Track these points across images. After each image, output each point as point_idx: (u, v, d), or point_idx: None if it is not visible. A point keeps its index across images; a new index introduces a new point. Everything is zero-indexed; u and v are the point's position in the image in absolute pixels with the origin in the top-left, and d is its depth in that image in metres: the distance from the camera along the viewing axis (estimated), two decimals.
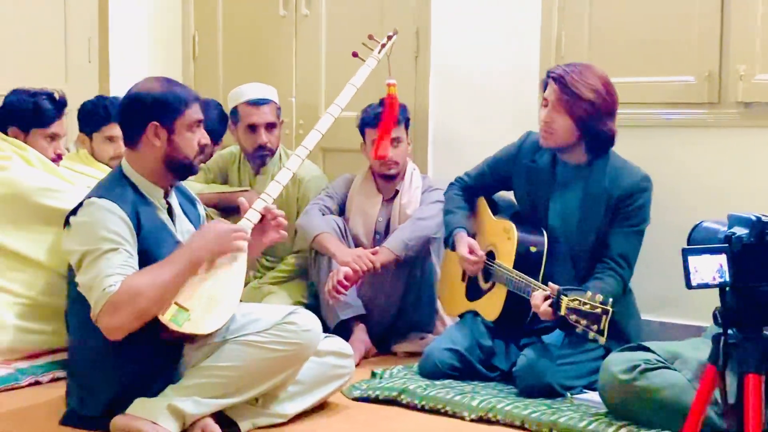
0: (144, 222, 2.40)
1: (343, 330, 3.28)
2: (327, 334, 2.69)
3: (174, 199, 2.55)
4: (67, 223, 2.41)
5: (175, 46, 4.42)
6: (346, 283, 3.17)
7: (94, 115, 3.33)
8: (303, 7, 4.09)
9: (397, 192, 3.45)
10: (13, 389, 2.81)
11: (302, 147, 2.78)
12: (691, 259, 1.72)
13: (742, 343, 1.75)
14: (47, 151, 3.15)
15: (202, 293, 2.36)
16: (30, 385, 2.85)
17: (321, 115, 4.00)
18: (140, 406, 2.34)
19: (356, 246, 3.39)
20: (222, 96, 4.09)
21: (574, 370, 2.78)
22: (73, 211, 2.40)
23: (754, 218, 1.75)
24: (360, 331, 3.30)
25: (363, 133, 3.44)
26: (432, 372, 2.90)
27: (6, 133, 3.16)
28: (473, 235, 3.07)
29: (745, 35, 3.08)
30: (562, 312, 2.51)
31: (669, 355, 2.47)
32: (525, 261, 2.84)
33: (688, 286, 1.74)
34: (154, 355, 2.38)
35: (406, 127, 3.43)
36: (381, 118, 3.21)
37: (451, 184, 3.20)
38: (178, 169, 2.47)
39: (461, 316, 3.14)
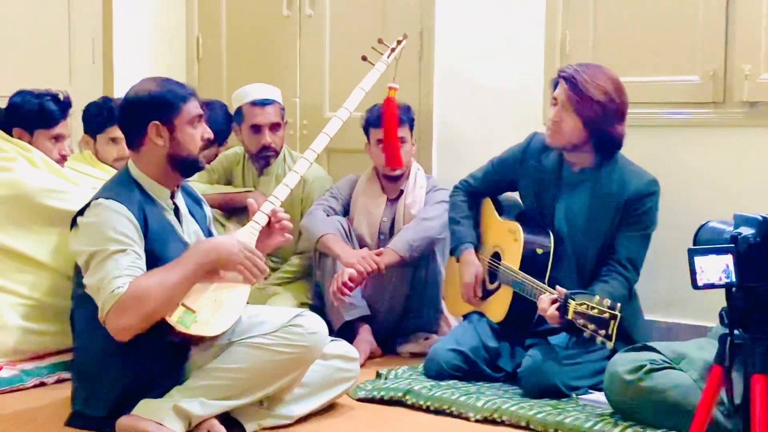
0: (151, 223, 2.40)
1: (348, 331, 3.29)
2: (333, 338, 2.69)
3: (180, 200, 2.55)
4: (74, 223, 2.41)
5: (179, 47, 4.43)
6: (350, 284, 3.17)
7: (98, 117, 3.33)
8: (307, 8, 4.08)
9: (401, 192, 3.45)
10: (18, 390, 2.81)
11: (310, 150, 2.78)
12: (697, 259, 1.72)
13: (749, 343, 1.74)
14: (52, 152, 3.15)
15: (209, 295, 2.37)
16: (35, 386, 2.85)
17: (325, 115, 4.05)
18: (146, 407, 2.34)
19: (361, 246, 3.39)
20: (226, 97, 4.09)
21: (580, 370, 2.78)
22: (81, 212, 2.40)
23: (760, 218, 1.74)
24: (365, 332, 3.30)
25: (367, 133, 3.44)
26: (437, 373, 2.89)
27: (10, 134, 3.16)
28: (479, 236, 3.06)
29: (750, 35, 3.08)
30: (570, 316, 2.50)
31: (675, 356, 2.46)
32: (531, 262, 2.84)
33: (695, 286, 1.73)
34: (160, 356, 2.38)
35: (411, 127, 3.43)
36: (381, 125, 3.22)
37: (456, 187, 3.19)
38: (183, 166, 2.47)
39: (466, 316, 3.14)
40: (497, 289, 2.97)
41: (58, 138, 3.18)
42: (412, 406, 2.69)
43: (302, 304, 3.38)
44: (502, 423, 2.56)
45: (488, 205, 3.15)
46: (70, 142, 3.28)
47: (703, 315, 3.05)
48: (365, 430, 2.55)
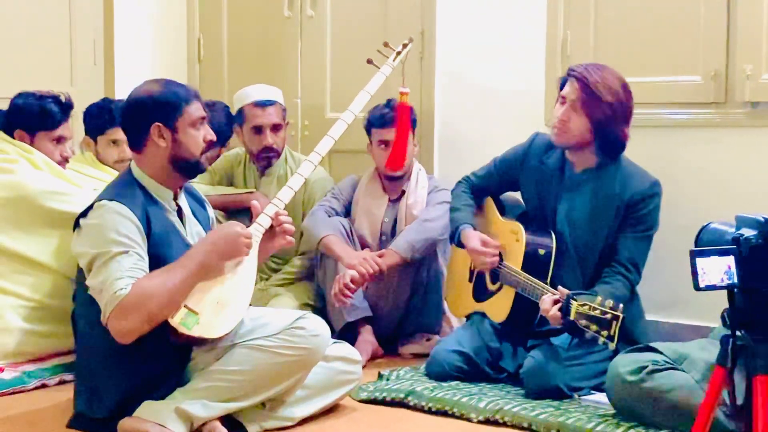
0: (154, 224, 2.40)
1: (350, 331, 3.29)
2: (335, 340, 2.69)
3: (183, 201, 2.55)
4: (77, 225, 2.41)
5: (180, 47, 4.43)
6: (352, 286, 3.17)
7: (99, 119, 3.33)
8: (308, 8, 4.08)
9: (403, 192, 3.45)
10: (20, 392, 2.81)
11: (315, 153, 2.78)
12: (699, 260, 1.72)
13: (751, 344, 1.74)
14: (54, 154, 3.15)
15: (211, 297, 2.36)
16: (37, 388, 2.86)
17: (326, 116, 4.05)
18: (148, 409, 2.34)
19: (362, 247, 3.39)
20: (227, 98, 4.09)
21: (582, 371, 2.78)
22: (83, 214, 2.40)
23: (762, 219, 1.75)
24: (367, 333, 3.30)
25: (369, 134, 3.45)
26: (439, 373, 2.89)
27: (12, 136, 3.16)
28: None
29: (751, 35, 3.07)
30: (572, 316, 2.50)
31: (677, 356, 2.46)
32: (533, 263, 2.84)
33: (696, 287, 1.73)
34: (162, 358, 2.38)
35: (413, 128, 3.43)
36: (394, 127, 3.23)
37: (458, 182, 3.20)
38: (186, 168, 2.47)
39: (468, 317, 3.13)
40: (499, 289, 2.97)
41: (59, 140, 3.18)
42: (414, 408, 2.69)
43: (304, 305, 3.38)
44: (505, 424, 2.56)
45: (490, 205, 3.15)
46: (71, 144, 3.28)
47: (705, 315, 3.05)
48: None
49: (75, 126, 3.35)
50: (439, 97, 3.79)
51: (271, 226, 2.58)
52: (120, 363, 2.37)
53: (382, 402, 2.74)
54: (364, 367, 2.91)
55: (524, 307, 2.83)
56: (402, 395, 2.73)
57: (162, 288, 2.27)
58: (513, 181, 3.08)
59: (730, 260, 1.73)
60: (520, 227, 2.91)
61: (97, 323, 2.32)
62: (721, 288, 1.74)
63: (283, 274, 3.58)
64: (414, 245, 3.27)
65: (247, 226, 2.56)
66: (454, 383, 2.84)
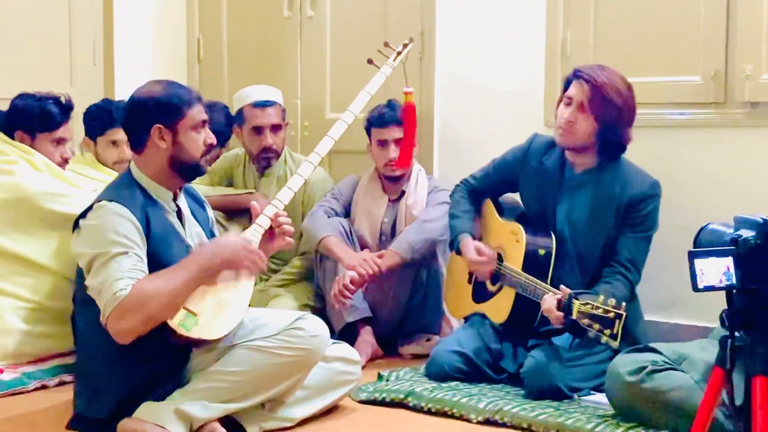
0: (153, 225, 2.40)
1: (350, 332, 3.29)
2: (335, 340, 2.69)
3: (183, 202, 2.55)
4: (76, 226, 2.41)
5: (180, 48, 4.43)
6: (352, 287, 3.17)
7: (98, 120, 3.34)
8: (307, 9, 4.09)
9: (403, 193, 3.45)
10: (19, 393, 2.81)
11: (315, 153, 2.78)
12: (697, 261, 1.72)
13: (750, 345, 1.74)
14: (54, 155, 3.16)
15: (210, 298, 2.36)
16: (36, 389, 2.86)
17: (326, 116, 4.05)
18: (147, 410, 2.34)
19: (362, 247, 3.39)
20: (227, 98, 4.09)
21: (582, 371, 2.78)
22: (83, 214, 2.40)
23: (760, 220, 1.74)
24: (366, 334, 3.30)
25: (369, 134, 3.45)
26: (439, 374, 2.89)
27: (12, 138, 3.17)
28: (479, 238, 3.07)
29: (751, 35, 3.07)
30: (574, 316, 2.50)
31: (676, 357, 2.46)
32: (533, 264, 2.84)
33: (695, 288, 1.73)
34: (161, 359, 2.38)
35: None
36: (393, 126, 3.25)
37: (457, 186, 3.19)
38: (185, 170, 2.47)
39: (467, 318, 3.13)
40: (499, 290, 2.97)
41: (59, 141, 3.18)
42: (413, 408, 2.69)
43: (303, 306, 3.38)
44: (504, 425, 2.56)
45: (489, 206, 3.15)
46: (71, 145, 3.28)
47: (704, 316, 3.05)
48: None
49: (74, 127, 3.35)
50: (439, 97, 3.79)
51: (271, 227, 2.58)
52: (119, 364, 2.37)
53: (382, 403, 2.74)
54: (363, 367, 2.92)
55: (525, 307, 2.83)
56: (401, 396, 2.73)
57: (162, 290, 2.27)
58: (512, 183, 3.08)
59: (729, 261, 1.72)
60: (520, 228, 2.91)
61: (96, 324, 2.32)
62: (720, 289, 1.74)
63: (283, 275, 3.58)
64: (414, 246, 3.27)
65: (247, 227, 2.57)
66: (453, 384, 2.84)
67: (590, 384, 2.78)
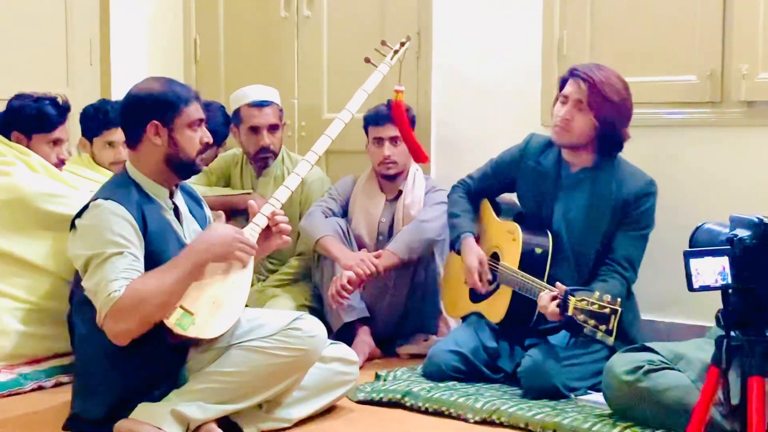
0: (150, 222, 2.40)
1: (347, 332, 3.29)
2: (332, 341, 2.69)
3: (180, 200, 2.55)
4: (72, 225, 2.41)
5: (177, 48, 4.43)
6: (349, 287, 3.17)
7: (94, 120, 3.33)
8: (304, 9, 4.08)
9: (400, 192, 3.45)
10: (16, 394, 2.81)
11: (312, 152, 2.77)
12: (692, 261, 1.72)
13: (745, 345, 1.74)
14: (50, 156, 3.15)
15: (207, 297, 2.36)
16: (33, 390, 2.86)
17: (323, 116, 4.05)
18: (144, 411, 2.34)
19: (359, 247, 3.39)
20: (224, 98, 4.09)
21: (579, 371, 2.78)
22: (79, 214, 2.40)
23: (756, 220, 1.75)
24: (364, 334, 3.30)
25: (367, 132, 3.45)
26: (436, 374, 2.89)
27: (9, 138, 3.16)
28: (477, 239, 3.07)
29: (747, 34, 3.07)
30: (570, 312, 2.50)
31: (673, 356, 2.46)
32: (530, 262, 2.84)
33: (690, 288, 1.73)
34: (158, 360, 2.38)
35: (412, 125, 3.42)
36: (389, 124, 3.25)
37: (454, 186, 3.20)
38: (180, 168, 2.47)
39: (464, 317, 3.14)
40: (496, 289, 2.97)
41: (56, 142, 3.18)
42: (410, 408, 2.69)
43: (301, 306, 3.38)
44: (501, 424, 2.56)
45: (486, 206, 3.15)
46: (68, 146, 3.28)
47: (701, 315, 3.05)
48: None
49: (71, 127, 3.35)
50: (436, 96, 3.79)
51: (268, 226, 2.58)
52: (116, 365, 2.37)
53: (379, 403, 2.74)
54: (361, 367, 2.92)
55: (521, 306, 2.83)
56: (399, 396, 2.73)
57: (156, 289, 2.27)
58: (509, 182, 3.08)
59: (724, 261, 1.73)
60: (517, 227, 2.92)
61: (93, 325, 2.32)
62: (715, 289, 1.75)
63: (281, 275, 3.58)
64: (411, 246, 3.27)
65: (244, 227, 2.57)
66: (450, 383, 2.84)
67: (587, 383, 2.78)
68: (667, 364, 2.44)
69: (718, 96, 3.15)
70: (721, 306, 1.80)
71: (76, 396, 2.50)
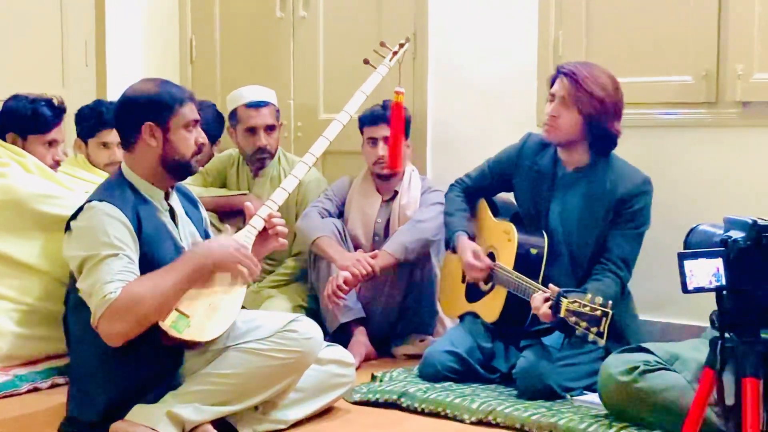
0: (145, 224, 2.39)
1: (343, 333, 3.29)
2: (329, 342, 2.69)
3: (176, 201, 2.54)
4: (68, 227, 2.40)
5: (173, 49, 4.42)
6: (345, 287, 3.17)
7: (89, 121, 3.33)
8: (300, 9, 4.08)
9: (396, 193, 3.45)
10: (12, 396, 2.81)
11: (309, 154, 2.77)
12: (687, 263, 1.72)
13: (740, 346, 1.75)
14: (45, 157, 3.15)
15: (203, 300, 2.36)
16: (29, 391, 2.85)
17: (319, 117, 4.05)
18: (139, 413, 2.34)
19: (355, 247, 3.39)
20: (220, 99, 4.09)
21: (574, 371, 2.78)
22: (74, 216, 2.39)
23: (750, 221, 1.75)
24: (360, 334, 3.30)
25: (362, 132, 3.45)
26: (432, 375, 2.90)
27: (4, 139, 3.16)
28: (473, 238, 3.07)
29: (742, 34, 3.08)
30: (562, 314, 2.51)
31: (668, 356, 2.47)
32: (525, 263, 2.85)
33: (684, 290, 1.73)
34: (154, 361, 2.38)
35: (407, 128, 3.43)
36: (383, 124, 3.26)
37: (452, 185, 3.20)
38: (176, 169, 2.46)
39: (461, 317, 3.14)
40: (491, 289, 2.98)
41: (51, 143, 3.18)
42: (406, 409, 2.70)
43: (297, 307, 3.38)
44: (497, 425, 2.56)
45: (483, 205, 3.16)
46: (63, 147, 3.27)
47: (697, 315, 3.04)
48: None
49: (66, 128, 3.34)
50: (432, 97, 3.79)
51: (264, 228, 2.58)
52: (111, 366, 2.36)
53: (375, 403, 2.74)
54: (357, 368, 2.92)
55: (516, 306, 2.83)
56: (395, 396, 2.73)
57: (152, 292, 2.27)
58: (506, 182, 3.08)
59: (719, 262, 1.73)
60: (513, 227, 2.92)
61: (88, 327, 2.31)
62: (710, 290, 1.75)
63: (277, 276, 3.58)
64: (407, 246, 3.27)
65: (240, 228, 2.56)
66: (446, 384, 2.85)
67: (582, 383, 2.78)
68: (662, 364, 2.44)
69: (713, 96, 3.15)
70: (716, 307, 1.80)
71: (71, 398, 2.50)
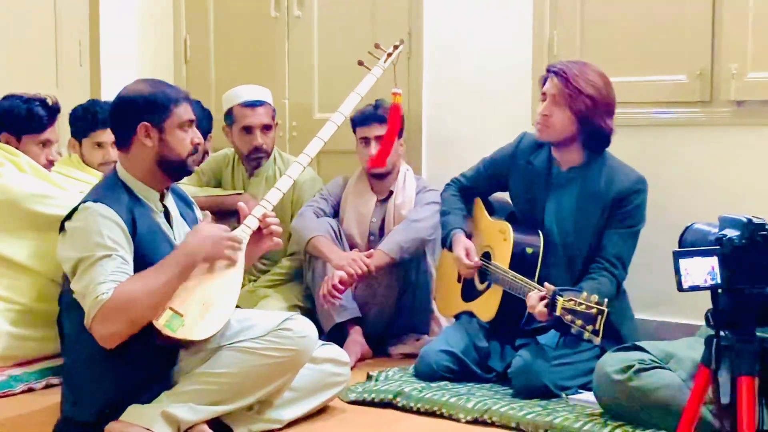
0: (140, 226, 2.39)
1: (339, 332, 3.28)
2: (324, 342, 2.69)
3: (171, 203, 2.54)
4: (62, 228, 2.40)
5: (167, 48, 4.42)
6: (340, 287, 3.17)
7: (83, 121, 3.33)
8: (295, 9, 4.08)
9: (391, 193, 3.45)
10: (6, 396, 2.80)
11: (304, 154, 2.77)
12: (682, 261, 1.72)
13: (735, 345, 1.75)
14: (39, 157, 3.15)
15: (197, 298, 2.35)
16: (24, 392, 2.85)
17: (314, 116, 4.05)
18: (134, 413, 2.33)
19: (351, 247, 3.39)
20: (215, 98, 4.09)
21: (570, 370, 2.79)
22: (68, 216, 2.39)
23: (745, 220, 1.75)
24: (356, 334, 3.30)
25: (355, 133, 3.45)
26: (428, 374, 2.90)
27: None
28: (469, 236, 3.08)
29: (736, 33, 3.08)
30: (558, 312, 2.51)
31: (663, 355, 2.47)
32: (521, 262, 2.85)
33: (680, 288, 1.73)
34: (148, 361, 2.37)
35: (401, 128, 3.42)
36: (375, 124, 3.27)
37: (447, 185, 3.21)
38: (171, 169, 2.46)
39: (456, 317, 3.14)
40: (487, 288, 2.98)
41: (45, 143, 3.17)
42: (402, 408, 2.70)
43: (293, 307, 3.38)
44: (493, 424, 2.56)
45: (479, 205, 3.16)
46: (57, 147, 3.27)
47: (692, 314, 3.05)
48: None
49: (60, 128, 3.34)
50: (427, 96, 3.79)
51: (259, 228, 2.57)
52: (106, 367, 2.36)
53: (371, 403, 2.74)
54: (353, 368, 2.92)
55: (512, 305, 2.84)
56: (390, 396, 2.73)
57: (144, 291, 2.26)
58: (501, 182, 3.09)
59: (714, 261, 1.72)
60: (508, 226, 2.93)
61: (82, 327, 2.30)
62: (705, 289, 1.74)
63: (272, 276, 3.57)
64: (402, 245, 3.27)
65: (235, 228, 2.56)
66: (442, 383, 2.85)
67: (578, 382, 2.78)
68: (657, 363, 2.45)
69: (707, 95, 3.15)
70: (711, 305, 1.80)
71: (65, 398, 2.49)
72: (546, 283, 2.63)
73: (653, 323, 3.24)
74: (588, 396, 2.68)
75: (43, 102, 3.18)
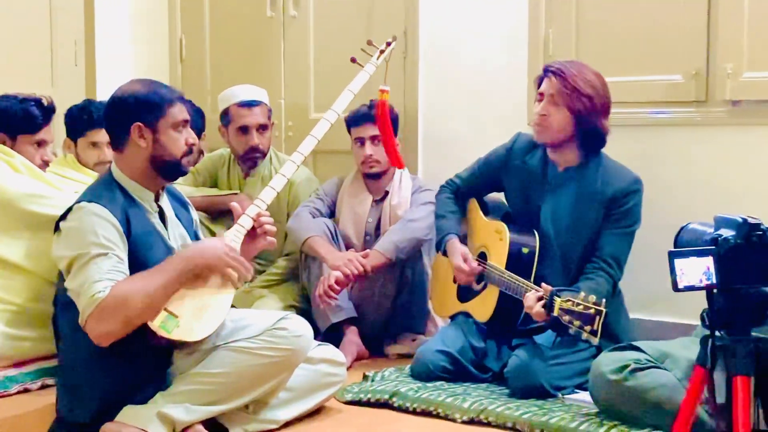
0: (134, 225, 2.39)
1: (335, 333, 3.28)
2: (320, 342, 2.69)
3: (166, 203, 2.54)
4: (57, 228, 2.40)
5: (162, 48, 4.41)
6: (337, 287, 3.16)
7: (79, 121, 3.32)
8: (290, 8, 4.08)
9: (387, 193, 3.45)
10: (2, 397, 2.79)
11: (297, 153, 2.76)
12: (677, 261, 1.73)
13: (730, 345, 1.75)
14: (34, 157, 3.13)
15: (192, 300, 2.35)
16: (19, 392, 2.84)
17: (310, 116, 4.05)
18: (129, 413, 2.33)
19: (347, 247, 3.39)
20: (210, 98, 4.09)
21: (566, 370, 2.79)
22: (63, 216, 2.39)
23: (740, 220, 1.75)
24: (352, 334, 3.29)
25: (350, 133, 3.45)
26: (424, 374, 2.90)
27: None
28: (464, 238, 3.07)
29: (732, 33, 3.08)
30: (555, 312, 2.51)
31: (659, 355, 2.47)
32: (517, 262, 2.85)
33: (675, 288, 1.74)
34: (143, 362, 2.37)
35: (395, 126, 3.42)
36: (369, 124, 3.26)
37: (442, 187, 3.20)
38: (166, 169, 2.46)
39: (452, 317, 3.14)
40: (483, 289, 2.98)
41: (40, 143, 3.16)
42: (398, 409, 2.70)
43: (289, 307, 3.37)
44: (489, 424, 2.56)
45: (474, 205, 3.16)
46: (52, 147, 3.26)
47: (687, 313, 3.04)
48: None
49: (55, 128, 3.33)
50: (423, 96, 3.79)
51: (253, 228, 2.57)
52: (101, 367, 2.35)
53: (367, 403, 2.74)
54: (349, 368, 2.92)
55: (508, 305, 2.84)
56: (386, 396, 2.73)
57: (141, 292, 2.26)
58: (497, 182, 3.09)
59: (709, 261, 1.73)
60: (504, 227, 2.93)
61: (77, 327, 2.30)
62: (700, 289, 1.75)
63: (268, 276, 3.57)
64: (398, 245, 3.27)
65: (230, 227, 2.56)
66: (438, 383, 2.85)
67: (574, 382, 2.79)
68: (653, 363, 2.45)
69: (703, 95, 3.16)
70: (706, 305, 1.81)
71: (61, 399, 2.49)
72: (543, 284, 2.63)
73: (649, 323, 3.25)
74: (584, 396, 2.68)
75: (38, 102, 3.17)
